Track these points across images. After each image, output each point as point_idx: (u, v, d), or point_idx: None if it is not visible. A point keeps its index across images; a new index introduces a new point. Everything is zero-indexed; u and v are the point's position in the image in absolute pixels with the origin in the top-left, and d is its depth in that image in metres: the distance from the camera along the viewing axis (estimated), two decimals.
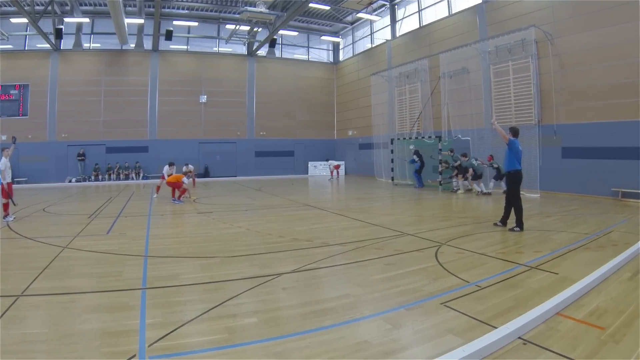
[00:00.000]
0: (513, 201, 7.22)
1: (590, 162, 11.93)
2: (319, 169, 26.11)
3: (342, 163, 25.25)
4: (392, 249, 5.92)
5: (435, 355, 2.82)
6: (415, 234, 6.98)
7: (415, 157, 16.23)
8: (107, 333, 3.20)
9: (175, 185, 12.00)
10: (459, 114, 15.89)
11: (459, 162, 14.07)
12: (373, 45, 23.72)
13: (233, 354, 2.92)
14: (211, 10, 22.95)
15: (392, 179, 18.21)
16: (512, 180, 7.23)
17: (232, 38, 23.07)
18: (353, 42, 26.05)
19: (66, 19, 19.91)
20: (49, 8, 18.67)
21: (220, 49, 24.84)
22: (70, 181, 20.75)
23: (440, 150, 14.99)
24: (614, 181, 11.33)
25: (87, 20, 20.56)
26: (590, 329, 3.21)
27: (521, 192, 7.53)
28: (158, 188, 13.44)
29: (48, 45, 20.49)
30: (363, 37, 25.07)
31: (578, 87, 12.25)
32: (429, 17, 19.04)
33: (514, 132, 7.33)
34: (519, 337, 3.06)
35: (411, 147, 16.74)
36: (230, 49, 24.97)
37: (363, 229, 7.70)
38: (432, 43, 18.17)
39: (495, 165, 12.95)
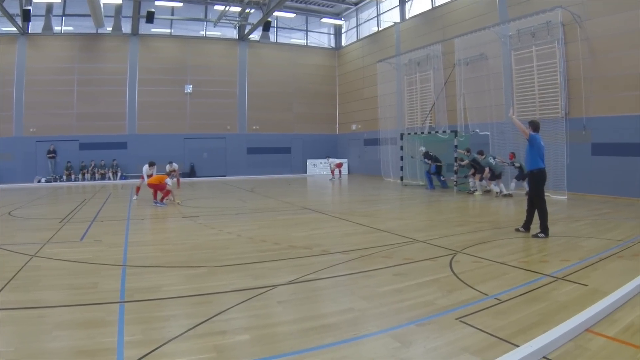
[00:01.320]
0: (537, 203, 7.23)
1: (624, 160, 11.92)
2: (318, 168, 26.12)
3: (344, 161, 25.27)
4: (401, 258, 5.92)
5: None
6: (427, 241, 6.99)
7: (426, 159, 16.14)
8: (81, 352, 3.19)
9: (158, 187, 12.00)
10: (477, 106, 15.90)
11: (466, 161, 14.13)
12: (380, 29, 23.73)
13: None
14: None
15: (402, 179, 18.22)
16: (536, 180, 7.24)
17: (221, 20, 23.08)
18: (357, 25, 26.07)
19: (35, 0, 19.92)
20: None
21: (207, 32, 24.84)
22: (39, 181, 20.76)
23: (456, 147, 14.97)
24: None
25: (58, 0, 20.56)
26: (624, 347, 3.20)
27: (546, 194, 7.53)
28: (138, 189, 13.45)
29: (14, 29, 20.50)
30: (368, 20, 25.09)
31: (610, 76, 12.25)
32: None
33: (534, 126, 7.36)
34: (544, 357, 3.06)
35: (421, 149, 16.63)
36: (219, 33, 24.98)
37: (368, 235, 7.71)
38: (446, 26, 18.18)
39: (517, 164, 12.95)
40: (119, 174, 22.02)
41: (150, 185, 12.10)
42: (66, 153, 21.48)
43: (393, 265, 5.58)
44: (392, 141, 20.19)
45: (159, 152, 20.67)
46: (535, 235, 7.09)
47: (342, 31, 27.64)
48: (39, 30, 20.88)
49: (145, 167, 13.13)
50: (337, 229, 8.47)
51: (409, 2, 21.26)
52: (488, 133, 15.26)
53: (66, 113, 21.66)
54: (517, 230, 7.57)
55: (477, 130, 15.45)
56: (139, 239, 7.59)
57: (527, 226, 7.47)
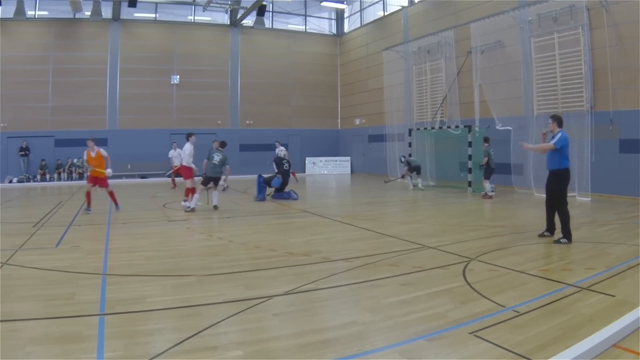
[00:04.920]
0: (559, 206, 7.27)
1: None
2: (319, 167, 26.14)
3: (346, 159, 25.17)
4: (410, 266, 5.93)
5: None
6: (438, 247, 6.99)
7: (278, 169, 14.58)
8: None
9: (99, 182, 10.76)
10: (493, 99, 15.88)
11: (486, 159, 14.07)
12: (386, 13, 23.72)
13: None
14: None
15: (411, 178, 18.20)
16: (560, 180, 7.27)
17: (211, 4, 23.08)
18: (361, 9, 26.07)
19: None
20: None
21: (196, 17, 24.82)
22: (10, 181, 20.77)
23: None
24: None
25: None
26: None
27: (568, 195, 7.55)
28: (191, 191, 11.84)
29: None
30: (373, 3, 25.09)
31: None
32: None
33: (560, 121, 7.40)
34: None
35: (280, 148, 15.70)
36: (208, 18, 24.97)
37: (373, 240, 7.71)
38: (458, 10, 18.19)
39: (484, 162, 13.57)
40: None
41: (91, 179, 10.83)
42: (40, 150, 21.46)
43: (400, 274, 5.58)
44: (400, 137, 20.19)
45: (143, 149, 20.72)
46: (558, 241, 7.10)
47: (345, 16, 27.62)
48: (10, 15, 20.85)
49: (188, 147, 12.03)
50: (338, 234, 8.47)
51: None
52: (510, 128, 15.19)
53: (40, 106, 21.65)
54: (542, 235, 7.58)
55: (500, 125, 15.39)
56: (120, 245, 7.57)
57: (551, 230, 7.53)
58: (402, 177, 17.29)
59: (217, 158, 11.57)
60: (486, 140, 13.99)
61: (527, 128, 14.59)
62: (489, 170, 13.61)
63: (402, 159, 17.30)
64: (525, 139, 14.39)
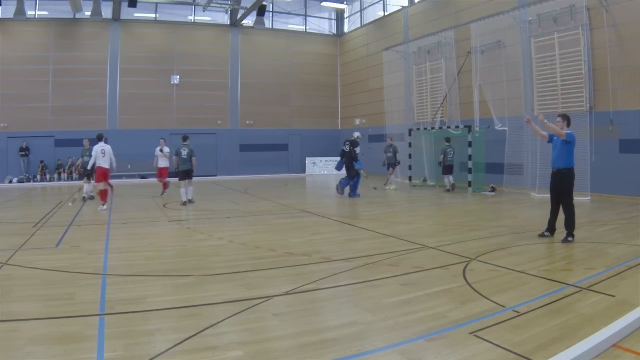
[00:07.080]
0: (569, 205, 7.33)
1: None
2: (318, 167, 26.14)
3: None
4: (410, 266, 5.93)
5: None
6: (438, 247, 6.99)
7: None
8: None
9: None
10: (493, 99, 15.89)
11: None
12: (386, 13, 23.73)
13: None
14: None
15: (410, 178, 18.23)
16: (569, 180, 7.39)
17: (211, 4, 23.08)
18: (361, 9, 26.08)
19: None
20: None
21: (196, 17, 24.83)
22: (10, 181, 20.77)
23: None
24: None
25: None
26: None
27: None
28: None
29: None
30: (374, 3, 25.10)
31: None
32: None
33: (569, 121, 7.52)
34: None
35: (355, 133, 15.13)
36: (208, 18, 24.98)
37: (373, 240, 7.72)
38: (458, 10, 18.19)
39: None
40: None
41: None
42: (40, 150, 21.48)
43: (400, 274, 5.58)
44: (400, 137, 20.18)
45: (143, 149, 20.68)
46: (565, 240, 7.16)
47: (345, 16, 27.63)
48: (10, 15, 20.86)
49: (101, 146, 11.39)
50: (338, 234, 8.48)
51: None
52: (506, 128, 15.24)
53: (40, 106, 21.66)
54: (542, 235, 7.60)
55: (500, 126, 15.40)
56: (120, 244, 7.58)
57: (551, 230, 7.56)
58: (388, 167, 16.96)
59: (184, 152, 12.47)
60: (447, 140, 15.36)
61: (527, 128, 14.56)
62: (445, 167, 15.35)
63: (390, 150, 16.75)
64: (525, 139, 14.49)
